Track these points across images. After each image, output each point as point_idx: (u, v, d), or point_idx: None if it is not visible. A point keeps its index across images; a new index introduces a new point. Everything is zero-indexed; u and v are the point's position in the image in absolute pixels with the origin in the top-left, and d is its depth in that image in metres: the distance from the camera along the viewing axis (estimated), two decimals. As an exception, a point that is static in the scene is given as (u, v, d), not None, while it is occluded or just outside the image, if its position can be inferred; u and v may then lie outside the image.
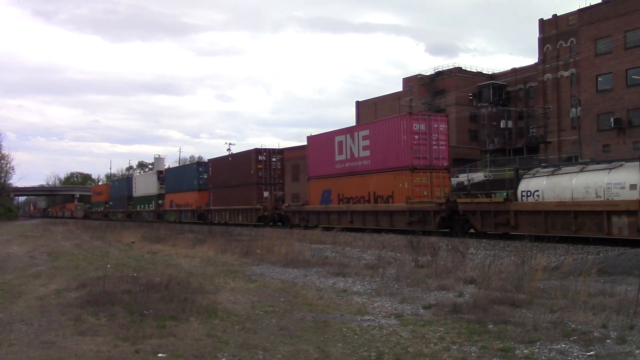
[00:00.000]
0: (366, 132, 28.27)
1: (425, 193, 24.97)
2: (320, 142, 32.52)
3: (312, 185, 32.74)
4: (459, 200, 22.25)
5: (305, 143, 36.39)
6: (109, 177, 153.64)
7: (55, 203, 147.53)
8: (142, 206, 61.91)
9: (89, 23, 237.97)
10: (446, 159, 26.31)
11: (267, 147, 41.26)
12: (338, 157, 30.21)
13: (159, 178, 57.91)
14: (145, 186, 61.28)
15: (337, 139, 30.39)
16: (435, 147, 25.90)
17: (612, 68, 49.97)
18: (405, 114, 26.92)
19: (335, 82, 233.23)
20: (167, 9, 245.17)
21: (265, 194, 38.20)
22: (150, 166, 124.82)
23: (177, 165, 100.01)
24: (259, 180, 38.72)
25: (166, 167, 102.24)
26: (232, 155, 42.96)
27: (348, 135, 29.60)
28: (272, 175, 39.37)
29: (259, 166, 38.81)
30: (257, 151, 39.49)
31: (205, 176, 47.00)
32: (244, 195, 39.52)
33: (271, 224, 36.57)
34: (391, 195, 25.89)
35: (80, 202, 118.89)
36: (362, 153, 28.33)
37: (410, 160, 25.08)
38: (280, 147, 43.79)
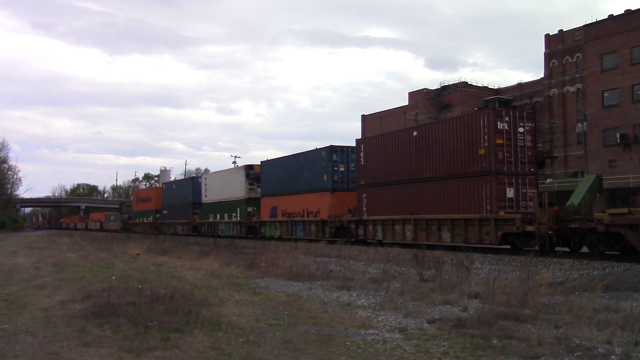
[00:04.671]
0: None
1: None
2: None
3: None
4: None
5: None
6: (115, 189, 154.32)
7: (61, 214, 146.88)
8: (219, 216, 45.04)
9: (87, 36, 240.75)
10: None
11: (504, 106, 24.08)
12: None
13: (248, 175, 41.17)
14: (224, 188, 44.34)
15: None
16: None
17: (618, 84, 49.99)
18: None
19: (336, 95, 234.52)
20: (165, 22, 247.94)
21: (509, 191, 20.93)
22: (156, 178, 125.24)
23: (183, 177, 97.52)
24: (498, 167, 20.83)
25: (172, 179, 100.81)
26: (422, 126, 25.35)
27: None
28: (520, 158, 21.46)
29: (498, 140, 21.04)
30: (495, 113, 21.45)
31: (341, 169, 30.95)
32: (460, 195, 22.21)
33: (533, 248, 19.22)
34: None
35: (115, 211, 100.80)
36: None
37: None
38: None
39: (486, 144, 21.12)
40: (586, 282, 11.37)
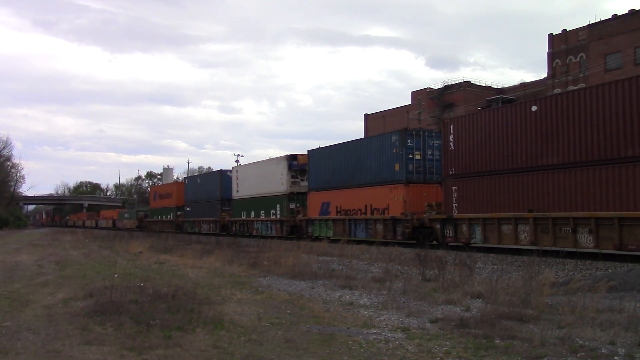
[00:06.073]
0: None
1: None
2: None
3: None
4: None
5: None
6: (118, 187, 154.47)
7: (64, 212, 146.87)
8: (254, 213, 39.92)
9: (89, 33, 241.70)
10: None
11: None
12: None
13: (290, 167, 36.08)
14: (260, 181, 38.98)
15: None
16: None
17: (622, 83, 49.84)
18: None
19: (338, 94, 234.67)
20: (166, 20, 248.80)
21: None
22: (159, 176, 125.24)
23: (186, 176, 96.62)
24: None
25: (175, 177, 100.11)
26: (546, 99, 19.83)
27: None
28: None
29: None
30: None
31: (417, 156, 26.01)
32: (609, 187, 16.93)
33: None
34: None
35: (123, 208, 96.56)
36: None
37: None
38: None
39: None
40: (589, 282, 11.34)
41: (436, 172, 25.61)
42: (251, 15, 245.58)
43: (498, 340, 7.20)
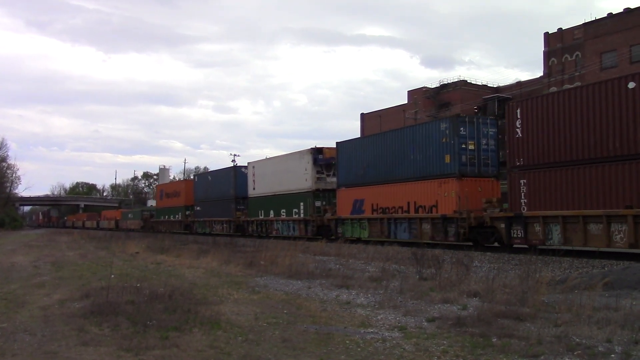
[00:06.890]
0: None
1: None
2: None
3: None
4: None
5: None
6: (114, 187, 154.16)
7: (61, 213, 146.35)
8: (273, 212, 36.68)
9: (83, 34, 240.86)
10: None
11: None
12: None
13: (316, 161, 32.82)
14: (281, 177, 35.75)
15: None
16: None
17: (617, 82, 49.93)
18: None
19: (334, 93, 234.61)
20: (161, 20, 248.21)
21: None
22: (155, 177, 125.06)
23: (183, 176, 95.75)
24: None
25: (171, 178, 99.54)
26: None
27: None
28: None
29: None
30: None
31: (471, 146, 22.93)
32: None
33: None
34: None
35: (123, 207, 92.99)
36: None
37: None
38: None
39: None
40: (586, 280, 11.36)
41: (492, 164, 23.45)
42: (246, 14, 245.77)
43: (495, 339, 7.21)
